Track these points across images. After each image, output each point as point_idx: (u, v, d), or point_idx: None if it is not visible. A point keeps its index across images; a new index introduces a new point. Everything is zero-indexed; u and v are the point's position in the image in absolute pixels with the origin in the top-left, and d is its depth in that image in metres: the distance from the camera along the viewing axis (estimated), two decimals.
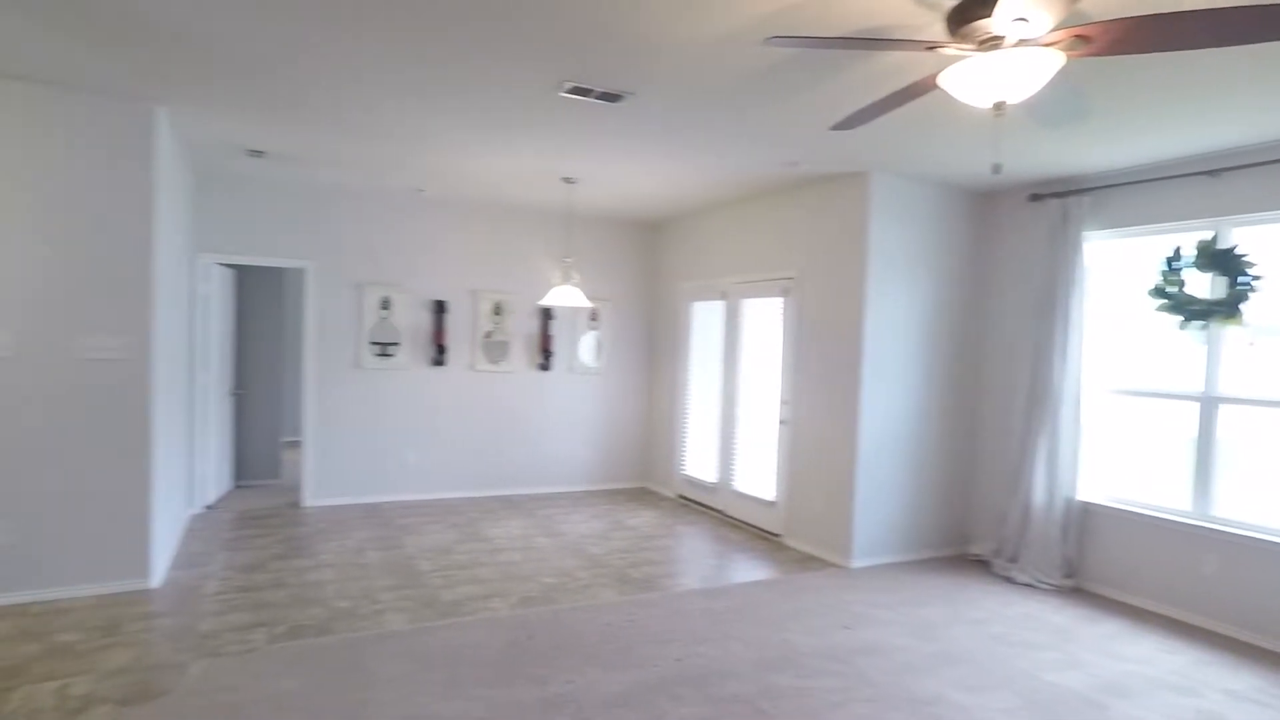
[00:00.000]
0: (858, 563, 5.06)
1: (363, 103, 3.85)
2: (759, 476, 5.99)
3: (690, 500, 6.90)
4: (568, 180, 5.58)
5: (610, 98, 3.62)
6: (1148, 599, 4.45)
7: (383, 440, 6.47)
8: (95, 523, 3.98)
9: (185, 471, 5.55)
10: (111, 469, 4.00)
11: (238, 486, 6.87)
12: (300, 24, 2.89)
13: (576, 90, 3.53)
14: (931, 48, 2.36)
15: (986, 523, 5.39)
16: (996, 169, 2.68)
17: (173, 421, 4.81)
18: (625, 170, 5.21)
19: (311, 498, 6.20)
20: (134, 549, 4.07)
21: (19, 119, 3.75)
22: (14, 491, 3.81)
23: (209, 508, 6.01)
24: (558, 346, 7.16)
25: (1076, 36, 2.19)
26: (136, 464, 4.06)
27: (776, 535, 5.73)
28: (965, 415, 5.51)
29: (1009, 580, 4.86)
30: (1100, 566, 4.70)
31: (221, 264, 6.07)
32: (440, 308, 6.61)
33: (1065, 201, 4.79)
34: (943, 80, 2.42)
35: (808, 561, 5.16)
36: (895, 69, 3.13)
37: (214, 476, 6.16)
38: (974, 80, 2.33)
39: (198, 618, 3.74)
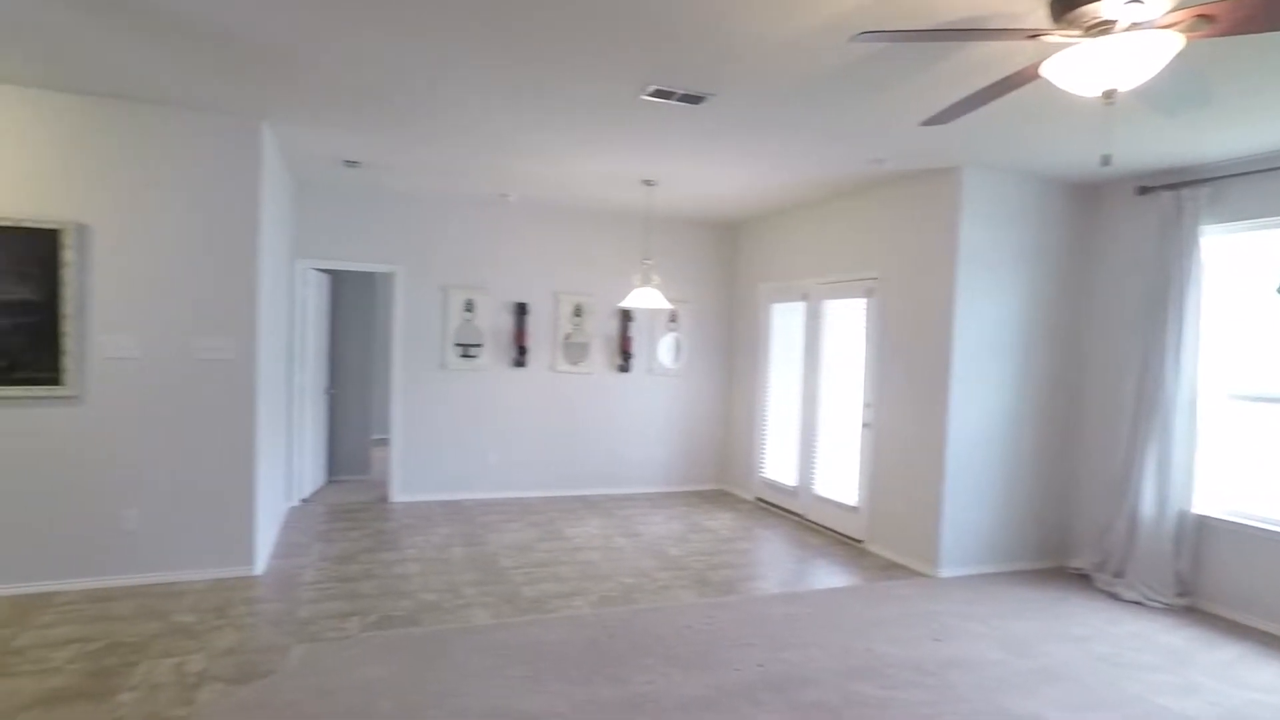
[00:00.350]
0: (945, 572, 4.87)
1: (453, 112, 3.97)
2: (840, 480, 5.85)
3: (769, 503, 6.80)
4: (647, 183, 5.60)
5: (692, 99, 3.61)
6: (1273, 622, 4.10)
7: (466, 439, 6.65)
8: (207, 512, 4.24)
9: (284, 466, 5.86)
10: (221, 462, 4.26)
11: (330, 481, 7.19)
12: (392, 37, 3.00)
13: (659, 93, 3.54)
14: (1034, 36, 2.25)
15: (1087, 534, 5.09)
16: (1106, 160, 2.52)
17: (274, 419, 5.09)
18: (705, 172, 5.19)
19: (399, 493, 6.43)
20: (241, 538, 4.32)
21: (142, 136, 4.04)
22: (139, 481, 4.11)
23: (304, 501, 6.31)
24: (637, 348, 7.19)
25: (1199, 16, 2.04)
26: (243, 458, 4.31)
27: (858, 541, 5.58)
28: (1064, 421, 5.22)
29: (1114, 596, 4.58)
30: (1218, 585, 4.37)
31: (318, 269, 6.37)
32: (522, 310, 6.75)
33: (1179, 193, 4.48)
34: (1046, 69, 2.30)
35: (891, 569, 5.01)
36: (990, 60, 3.00)
37: (309, 471, 6.48)
38: (1082, 68, 2.20)
39: (297, 604, 3.94)
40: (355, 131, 4.43)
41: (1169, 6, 2.05)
